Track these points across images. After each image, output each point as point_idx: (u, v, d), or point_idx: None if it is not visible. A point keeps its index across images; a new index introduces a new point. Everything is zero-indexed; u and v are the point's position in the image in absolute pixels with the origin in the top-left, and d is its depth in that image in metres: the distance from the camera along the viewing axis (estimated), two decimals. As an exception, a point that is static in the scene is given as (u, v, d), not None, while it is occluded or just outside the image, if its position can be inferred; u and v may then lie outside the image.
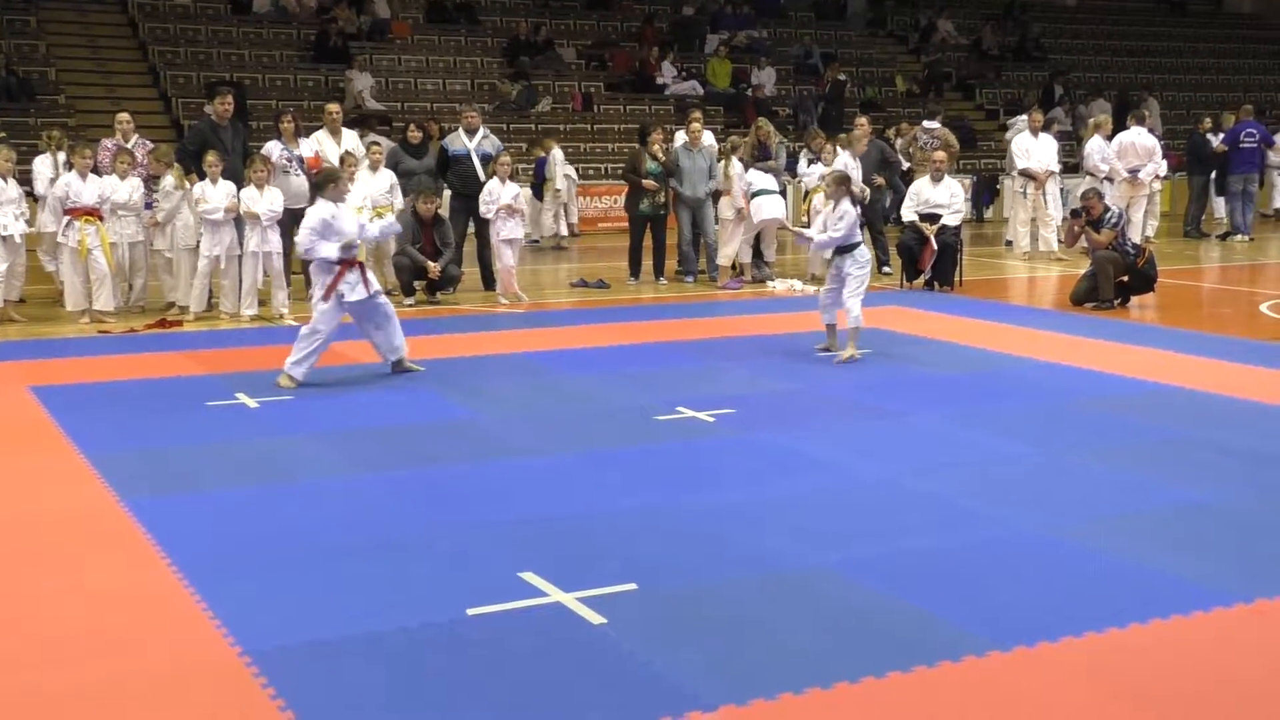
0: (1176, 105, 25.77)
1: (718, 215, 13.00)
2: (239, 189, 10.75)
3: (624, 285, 12.89)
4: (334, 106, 12.72)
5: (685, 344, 9.49)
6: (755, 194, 12.45)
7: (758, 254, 13.19)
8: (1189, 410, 7.29)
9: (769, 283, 12.86)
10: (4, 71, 17.52)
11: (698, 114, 13.65)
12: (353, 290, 7.89)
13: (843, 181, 9.05)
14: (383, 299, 8.19)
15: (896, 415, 7.15)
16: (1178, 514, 5.33)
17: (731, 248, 12.93)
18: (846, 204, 8.82)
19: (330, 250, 7.83)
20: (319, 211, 7.92)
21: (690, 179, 12.71)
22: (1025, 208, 15.34)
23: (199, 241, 10.61)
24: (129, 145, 11.20)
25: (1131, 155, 15.40)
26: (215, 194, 10.43)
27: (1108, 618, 4.14)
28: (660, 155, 12.92)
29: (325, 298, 7.86)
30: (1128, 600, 4.31)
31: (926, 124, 16.20)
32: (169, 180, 10.78)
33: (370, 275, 8.18)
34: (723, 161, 12.89)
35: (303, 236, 7.91)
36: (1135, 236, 15.17)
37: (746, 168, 12.95)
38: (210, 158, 10.57)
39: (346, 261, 7.91)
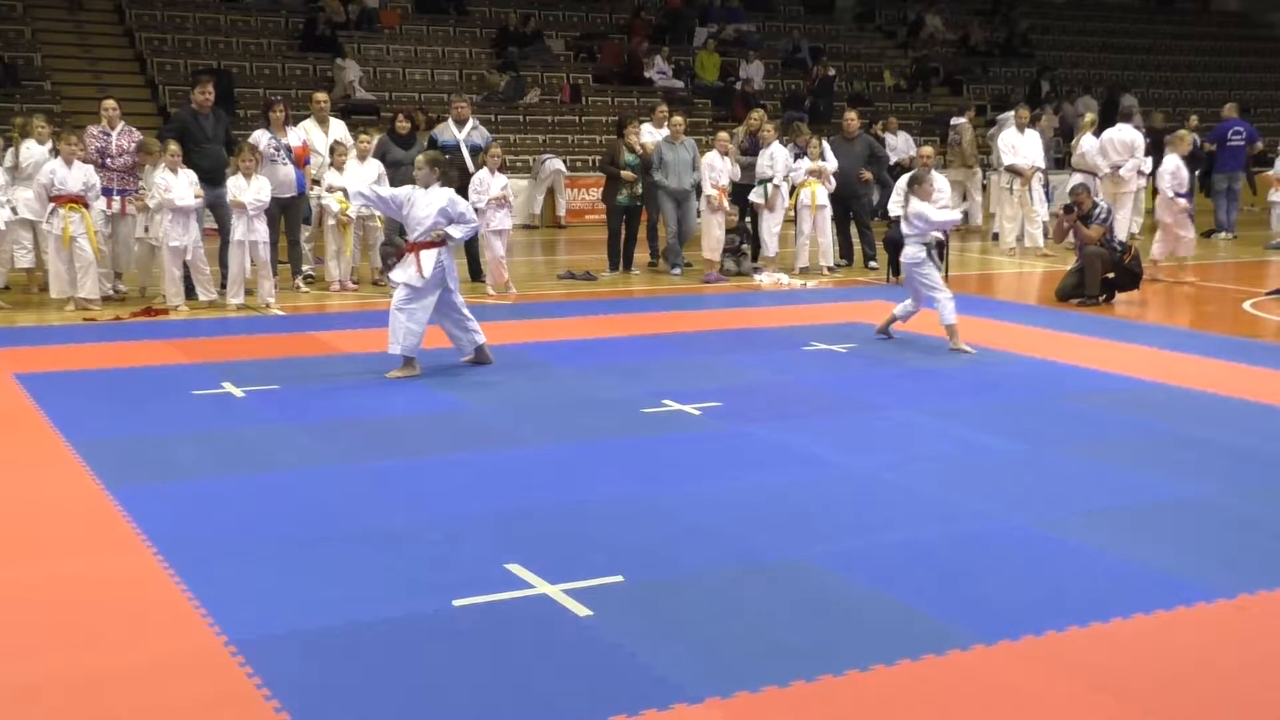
0: (1163, 103, 25.82)
1: (700, 210, 13.02)
2: (225, 178, 10.71)
3: (607, 277, 12.88)
4: (321, 96, 12.71)
5: (672, 337, 9.50)
6: (764, 181, 12.75)
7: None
8: (1173, 406, 7.33)
9: (756, 276, 12.87)
10: (-11, 57, 17.45)
11: (664, 108, 13.72)
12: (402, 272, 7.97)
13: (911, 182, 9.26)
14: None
15: (882, 409, 7.17)
16: (1162, 509, 5.36)
17: (718, 240, 12.91)
18: (914, 202, 9.01)
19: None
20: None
21: (675, 171, 12.74)
22: (1012, 204, 15.38)
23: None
24: (114, 132, 11.14)
25: (1112, 152, 15.42)
26: (179, 183, 10.36)
27: (1092, 612, 4.17)
28: (638, 147, 12.94)
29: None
30: (1111, 594, 4.34)
31: (954, 120, 16.26)
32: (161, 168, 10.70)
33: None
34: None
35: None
36: (1120, 234, 15.23)
37: (745, 153, 13.05)
38: (171, 147, 10.52)
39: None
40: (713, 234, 12.76)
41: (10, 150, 10.93)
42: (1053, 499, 5.47)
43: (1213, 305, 11.90)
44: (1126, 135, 15.49)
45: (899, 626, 4.07)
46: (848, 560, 4.66)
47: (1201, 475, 5.85)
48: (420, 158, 8.26)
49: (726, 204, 12.77)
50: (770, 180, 12.86)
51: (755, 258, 13.37)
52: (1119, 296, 11.36)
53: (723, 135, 13.25)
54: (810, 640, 3.97)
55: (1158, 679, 3.76)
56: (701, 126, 19.48)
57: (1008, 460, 6.12)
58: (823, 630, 4.06)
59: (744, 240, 13.30)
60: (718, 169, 12.72)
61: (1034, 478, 5.82)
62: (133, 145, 11.12)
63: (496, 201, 11.46)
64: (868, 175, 13.74)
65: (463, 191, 11.64)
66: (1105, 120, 17.13)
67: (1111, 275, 11.26)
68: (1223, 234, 17.46)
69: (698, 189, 12.91)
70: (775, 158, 12.81)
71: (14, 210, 10.65)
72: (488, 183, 11.48)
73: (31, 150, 10.92)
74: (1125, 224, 15.54)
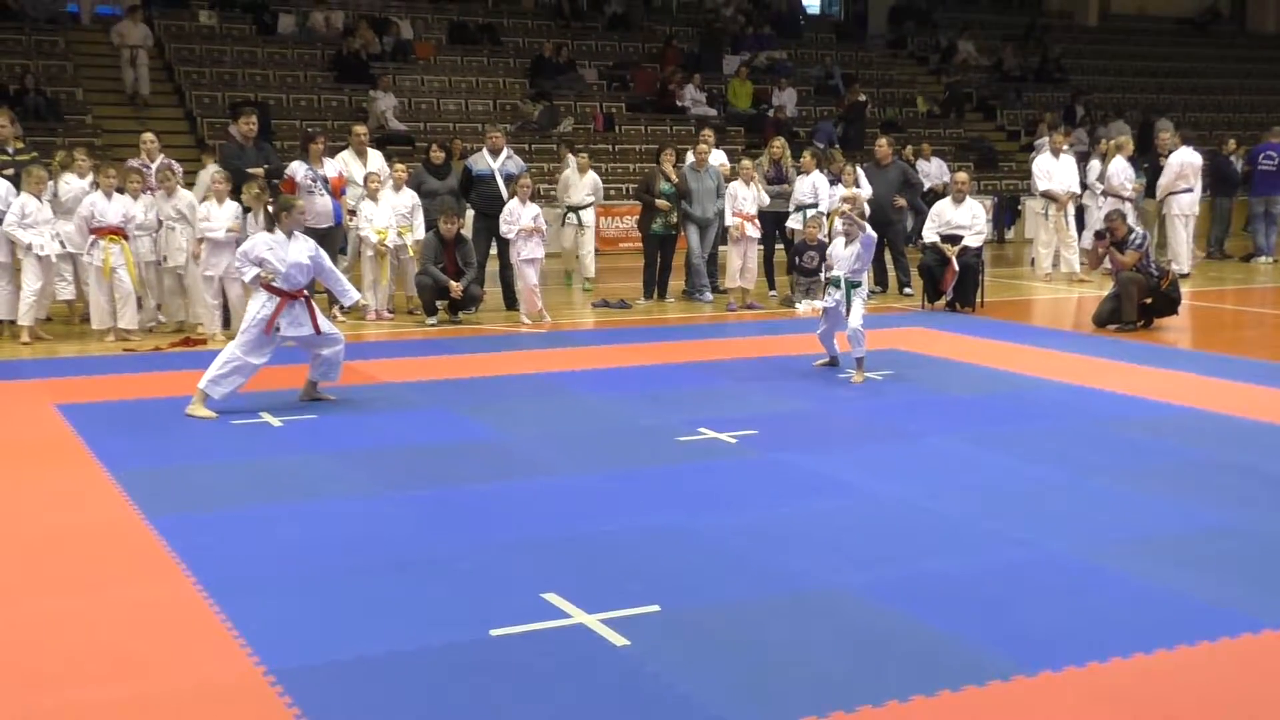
0: (1199, 126, 25.67)
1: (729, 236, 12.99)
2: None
3: (641, 305, 12.89)
4: (361, 129, 12.86)
5: (707, 364, 9.49)
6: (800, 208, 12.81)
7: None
8: (1213, 433, 7.25)
9: (796, 303, 12.81)
10: (32, 92, 17.67)
11: (707, 132, 13.73)
12: (293, 326, 7.72)
13: (859, 224, 9.20)
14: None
15: (919, 437, 7.13)
16: (1204, 538, 5.30)
17: (738, 270, 12.83)
18: (860, 242, 9.07)
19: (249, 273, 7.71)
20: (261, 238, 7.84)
21: (699, 199, 12.79)
22: (1047, 229, 15.31)
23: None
24: (154, 165, 11.28)
25: (1194, 175, 15.50)
26: (220, 214, 10.45)
27: (1134, 643, 4.12)
28: (672, 175, 12.98)
29: (266, 330, 7.65)
30: (1154, 625, 4.29)
31: (1037, 143, 16.26)
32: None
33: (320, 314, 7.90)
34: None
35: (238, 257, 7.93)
36: (1184, 262, 15.21)
37: (771, 181, 13.05)
38: (216, 177, 10.64)
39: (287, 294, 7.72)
40: (734, 263, 12.71)
41: (51, 183, 11.08)
42: (1093, 527, 5.42)
43: (1253, 330, 11.79)
44: (1195, 158, 15.54)
45: (939, 657, 4.04)
46: (887, 589, 4.64)
47: (1244, 502, 5.78)
48: None
49: (750, 230, 12.67)
50: (813, 206, 12.81)
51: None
52: (1156, 322, 11.26)
53: (746, 163, 13.26)
54: (849, 670, 3.95)
55: (1202, 711, 3.71)
56: (734, 154, 19.51)
57: (1047, 488, 6.07)
58: (862, 660, 4.03)
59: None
60: (741, 197, 12.72)
61: (1073, 505, 5.77)
62: (155, 176, 11.25)
63: (526, 231, 11.49)
64: (901, 202, 13.71)
65: (497, 221, 11.73)
66: (1141, 145, 17.07)
67: (1149, 301, 11.18)
68: (1262, 258, 17.33)
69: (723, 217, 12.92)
70: (817, 186, 12.79)
71: (62, 243, 10.75)
72: (518, 213, 11.52)
73: (72, 184, 11.06)
74: (1188, 246, 15.58)
